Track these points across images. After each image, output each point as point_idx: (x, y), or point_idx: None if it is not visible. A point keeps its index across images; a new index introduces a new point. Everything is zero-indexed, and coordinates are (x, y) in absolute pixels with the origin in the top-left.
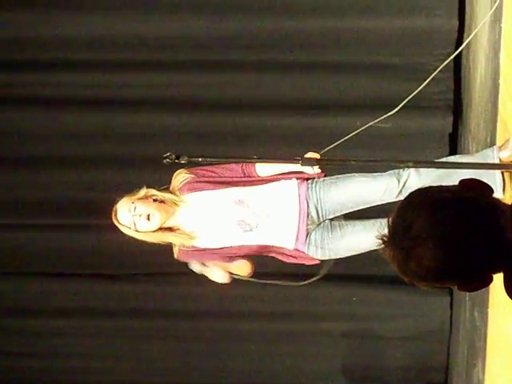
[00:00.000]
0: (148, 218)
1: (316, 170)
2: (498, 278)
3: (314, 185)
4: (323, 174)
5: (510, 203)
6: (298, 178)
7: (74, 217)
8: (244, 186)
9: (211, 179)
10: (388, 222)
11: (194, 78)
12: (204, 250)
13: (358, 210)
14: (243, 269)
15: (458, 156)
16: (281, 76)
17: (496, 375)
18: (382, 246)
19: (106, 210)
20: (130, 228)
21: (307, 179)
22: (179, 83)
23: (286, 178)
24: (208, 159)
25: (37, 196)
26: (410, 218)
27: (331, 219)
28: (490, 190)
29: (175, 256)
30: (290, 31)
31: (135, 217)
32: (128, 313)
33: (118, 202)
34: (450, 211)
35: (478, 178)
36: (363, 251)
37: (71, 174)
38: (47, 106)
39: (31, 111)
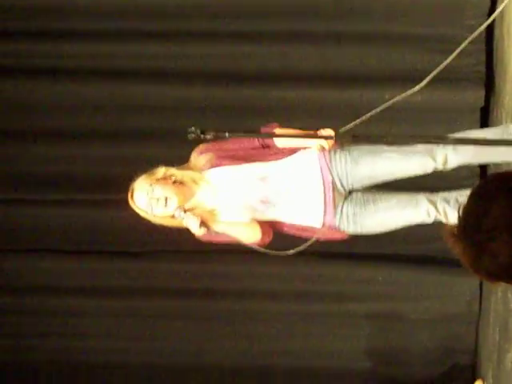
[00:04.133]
0: (166, 202)
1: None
2: None
3: (337, 155)
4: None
5: None
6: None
7: (91, 192)
8: (265, 160)
9: (232, 153)
10: (458, 211)
11: (213, 48)
12: None
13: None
14: (251, 232)
15: (495, 131)
16: (305, 47)
17: None
18: (452, 240)
19: (123, 185)
20: (146, 211)
21: (328, 150)
22: (198, 54)
23: (305, 149)
24: (234, 134)
25: (52, 171)
26: (484, 207)
27: (363, 192)
28: None
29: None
30: (316, 1)
31: (153, 200)
32: (146, 291)
33: (135, 180)
34: None
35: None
36: (397, 228)
37: (88, 147)
38: (59, 77)
39: (42, 82)
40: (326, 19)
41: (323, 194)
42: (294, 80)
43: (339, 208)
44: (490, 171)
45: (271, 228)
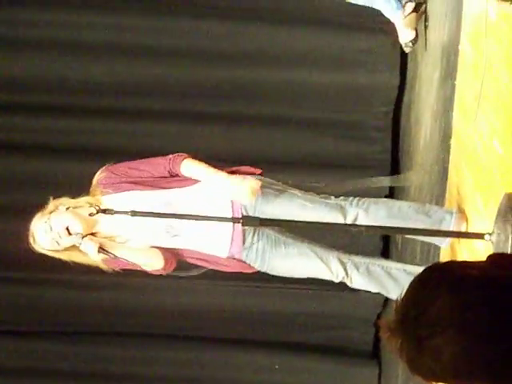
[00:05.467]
0: (68, 232)
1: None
2: None
3: None
4: (259, 172)
5: None
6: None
7: None
8: (170, 187)
9: (137, 179)
10: (396, 302)
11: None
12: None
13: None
14: (154, 259)
15: (409, 204)
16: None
17: None
18: (387, 333)
19: None
20: (55, 250)
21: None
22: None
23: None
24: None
25: None
26: (426, 299)
27: (274, 231)
28: None
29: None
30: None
31: (55, 235)
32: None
33: (30, 225)
34: (477, 293)
35: (424, 222)
36: (302, 277)
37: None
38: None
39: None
40: (232, 100)
41: (231, 225)
42: None
43: (248, 241)
44: (392, 249)
45: (174, 256)
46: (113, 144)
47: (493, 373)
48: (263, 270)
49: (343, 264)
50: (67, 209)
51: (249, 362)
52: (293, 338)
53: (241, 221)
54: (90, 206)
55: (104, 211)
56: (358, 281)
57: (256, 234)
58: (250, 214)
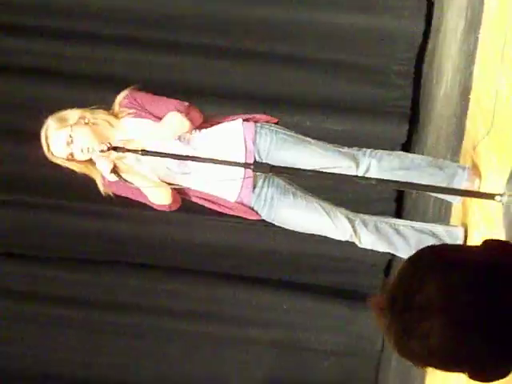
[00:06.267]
0: (88, 150)
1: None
2: None
3: (263, 130)
4: (275, 121)
5: None
6: (244, 120)
7: None
8: None
9: (155, 113)
10: (386, 283)
11: None
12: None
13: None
14: (163, 193)
15: (423, 158)
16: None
17: None
18: (378, 313)
19: None
20: (67, 159)
21: (255, 122)
22: None
23: (230, 120)
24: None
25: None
26: (416, 282)
27: (284, 181)
28: None
29: (102, 190)
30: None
31: (75, 149)
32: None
33: (44, 127)
34: (469, 278)
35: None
36: (307, 232)
37: None
38: None
39: None
40: (255, 39)
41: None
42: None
43: (258, 188)
44: (406, 202)
45: (179, 195)
46: (120, 73)
47: (479, 359)
48: (269, 219)
49: (351, 221)
50: (86, 123)
51: (254, 300)
52: (301, 278)
53: (251, 166)
54: (110, 126)
55: (115, 149)
56: (366, 239)
57: (266, 181)
58: (263, 159)
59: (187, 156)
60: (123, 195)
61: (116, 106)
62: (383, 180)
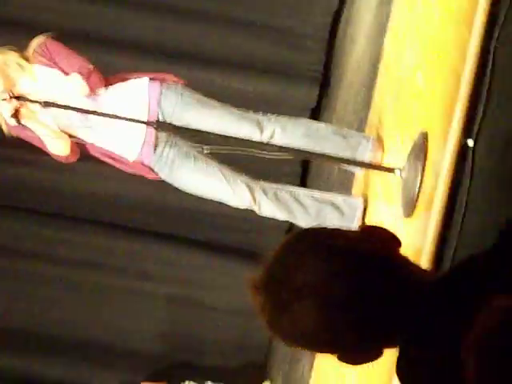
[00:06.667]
0: None
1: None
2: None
3: (169, 91)
4: (182, 82)
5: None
6: (151, 79)
7: None
8: None
9: (63, 65)
10: (264, 262)
11: None
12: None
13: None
14: (61, 143)
15: (327, 126)
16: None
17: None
18: (254, 292)
19: None
20: None
21: (162, 81)
22: None
23: (136, 77)
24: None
25: None
26: (291, 264)
27: (186, 143)
28: (396, 242)
29: (5, 131)
30: None
31: None
32: None
33: None
34: (341, 264)
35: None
36: (205, 198)
37: None
38: None
39: None
40: None
41: (145, 127)
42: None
43: (160, 148)
44: (311, 169)
45: (79, 149)
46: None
47: (346, 344)
48: (169, 180)
49: (251, 189)
50: None
51: (155, 255)
52: (202, 236)
53: (154, 125)
54: (20, 69)
55: (17, 98)
56: (265, 207)
57: (168, 143)
58: (167, 119)
59: (89, 111)
60: (25, 140)
61: (30, 50)
62: (286, 148)
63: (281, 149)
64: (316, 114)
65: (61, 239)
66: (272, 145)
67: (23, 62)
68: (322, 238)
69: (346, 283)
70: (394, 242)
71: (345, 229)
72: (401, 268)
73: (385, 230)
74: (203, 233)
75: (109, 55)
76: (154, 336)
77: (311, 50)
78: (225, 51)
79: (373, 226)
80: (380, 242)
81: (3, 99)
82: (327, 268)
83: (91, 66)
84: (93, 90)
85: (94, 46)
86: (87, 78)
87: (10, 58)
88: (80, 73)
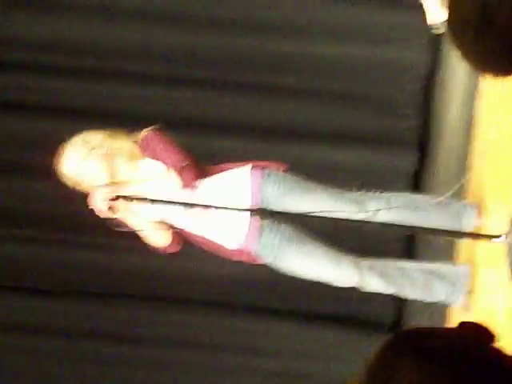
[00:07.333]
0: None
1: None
2: None
3: (270, 178)
4: (284, 167)
5: None
6: (252, 167)
7: None
8: None
9: (159, 158)
10: (365, 363)
11: None
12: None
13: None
14: (160, 234)
15: (430, 198)
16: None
17: None
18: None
19: None
20: (75, 176)
21: (263, 168)
22: None
23: (238, 167)
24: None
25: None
26: (391, 366)
27: (289, 227)
28: (491, 338)
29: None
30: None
31: (84, 170)
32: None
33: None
34: (442, 364)
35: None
36: (311, 281)
37: None
38: None
39: None
40: (263, 73)
41: (249, 215)
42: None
43: (264, 236)
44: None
45: (181, 240)
46: (117, 107)
47: None
48: (273, 266)
49: (358, 268)
50: (106, 154)
51: (261, 330)
52: (308, 306)
53: (256, 213)
54: (130, 159)
55: (125, 198)
56: (373, 285)
57: (272, 229)
58: (269, 206)
59: (194, 204)
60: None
61: (139, 140)
62: (388, 225)
63: (383, 226)
64: (415, 181)
65: (168, 321)
66: (374, 222)
67: (133, 153)
68: (420, 339)
69: (448, 381)
70: (490, 337)
71: (442, 327)
72: (501, 361)
73: (479, 325)
74: (312, 305)
75: (203, 136)
76: None
77: (406, 117)
78: (320, 124)
79: (471, 323)
80: (477, 337)
81: (108, 199)
82: (426, 368)
83: (185, 163)
84: (187, 186)
85: (186, 128)
86: (179, 173)
87: (120, 145)
88: (173, 167)
